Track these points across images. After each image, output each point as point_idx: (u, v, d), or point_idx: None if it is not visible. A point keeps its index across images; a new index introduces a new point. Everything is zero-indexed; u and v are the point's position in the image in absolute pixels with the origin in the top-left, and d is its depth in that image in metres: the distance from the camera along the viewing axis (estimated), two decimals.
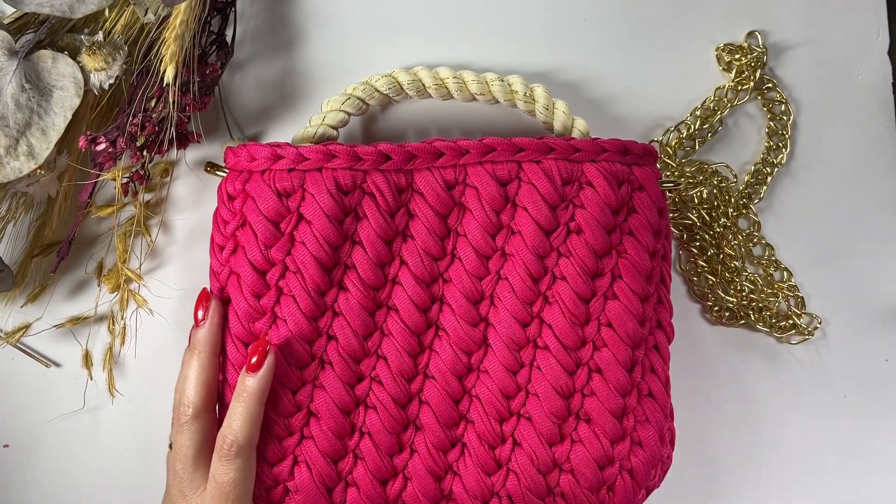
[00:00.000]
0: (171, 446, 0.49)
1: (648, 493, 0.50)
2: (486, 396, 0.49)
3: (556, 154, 0.49)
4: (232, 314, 0.49)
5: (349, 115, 0.52)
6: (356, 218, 0.49)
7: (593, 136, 0.53)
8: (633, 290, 0.50)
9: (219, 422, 0.49)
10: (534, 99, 0.53)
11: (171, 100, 0.50)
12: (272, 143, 0.49)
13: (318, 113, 0.52)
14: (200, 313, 0.49)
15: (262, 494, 0.48)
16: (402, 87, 0.53)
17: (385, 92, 0.53)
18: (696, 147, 0.60)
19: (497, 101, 0.54)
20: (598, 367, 0.49)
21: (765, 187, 0.60)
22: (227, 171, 0.50)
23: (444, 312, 0.49)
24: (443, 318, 0.49)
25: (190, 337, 0.49)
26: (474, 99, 0.54)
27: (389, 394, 0.48)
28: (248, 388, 0.46)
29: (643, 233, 0.50)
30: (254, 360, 0.47)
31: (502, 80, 0.53)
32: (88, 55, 0.51)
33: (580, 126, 0.53)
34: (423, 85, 0.53)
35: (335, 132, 0.52)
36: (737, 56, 0.60)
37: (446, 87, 0.53)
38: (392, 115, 0.59)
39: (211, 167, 0.51)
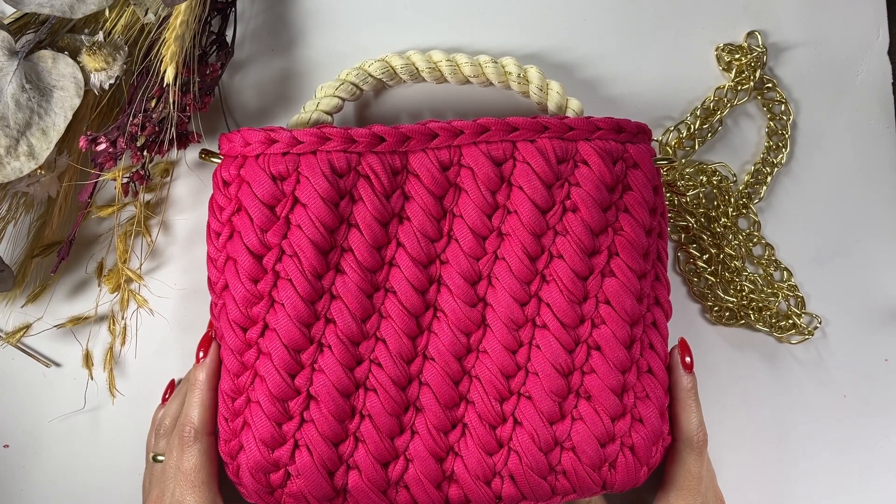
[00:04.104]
0: (154, 458, 0.50)
1: (650, 470, 0.50)
2: (485, 376, 0.49)
3: (550, 133, 0.49)
4: (230, 299, 0.49)
5: (343, 100, 0.52)
6: (352, 200, 0.49)
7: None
8: (631, 266, 0.50)
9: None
10: (528, 80, 0.53)
11: (171, 100, 0.50)
12: (266, 127, 0.49)
13: (313, 99, 0.52)
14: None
15: (263, 479, 0.48)
16: (395, 72, 0.53)
17: (378, 76, 0.53)
18: (696, 147, 0.60)
19: (491, 84, 0.54)
20: (598, 344, 0.49)
21: (765, 187, 0.60)
22: (221, 157, 0.50)
23: (441, 294, 0.49)
24: (441, 299, 0.49)
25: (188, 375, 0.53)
26: (468, 82, 0.54)
27: (389, 376, 0.48)
28: (197, 377, 0.51)
29: (639, 210, 0.50)
30: (200, 353, 0.51)
31: (496, 62, 0.53)
32: (89, 55, 0.51)
33: (574, 106, 0.53)
34: (417, 69, 0.53)
35: (329, 118, 0.52)
36: (737, 56, 0.60)
37: (440, 71, 0.53)
38: (386, 99, 0.59)
39: (206, 154, 0.51)
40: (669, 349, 0.53)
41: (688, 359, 0.53)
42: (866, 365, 0.60)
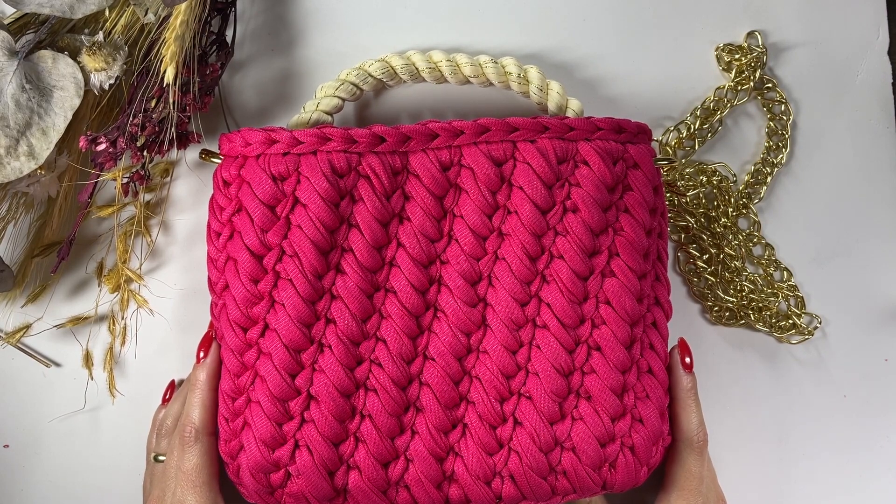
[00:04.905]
0: (155, 458, 0.50)
1: (650, 470, 0.50)
2: (486, 376, 0.49)
3: (550, 133, 0.49)
4: (230, 299, 0.49)
5: (343, 100, 0.53)
6: (352, 201, 0.49)
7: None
8: (631, 267, 0.50)
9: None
10: (528, 80, 0.53)
11: (171, 100, 0.50)
12: (266, 127, 0.49)
13: (313, 99, 0.52)
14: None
15: (263, 479, 0.48)
16: (395, 72, 0.53)
17: (379, 77, 0.53)
18: (696, 147, 0.60)
19: (491, 84, 0.54)
20: (598, 344, 0.49)
21: (765, 187, 0.60)
22: (221, 157, 0.50)
23: (442, 294, 0.49)
24: (441, 299, 0.49)
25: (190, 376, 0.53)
26: (468, 82, 0.54)
27: (389, 376, 0.48)
28: (198, 377, 0.51)
29: (639, 210, 0.50)
30: (201, 353, 0.51)
31: (496, 62, 0.53)
32: (89, 55, 0.51)
33: (574, 106, 0.53)
34: (417, 69, 0.53)
35: (329, 118, 0.52)
36: (737, 56, 0.60)
37: (440, 71, 0.53)
38: (386, 100, 0.59)
39: (206, 154, 0.51)
40: (669, 349, 0.53)
41: (687, 359, 0.53)
42: (866, 365, 0.60)
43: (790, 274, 0.60)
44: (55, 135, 0.50)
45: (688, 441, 0.52)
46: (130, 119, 0.50)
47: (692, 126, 0.60)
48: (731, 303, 0.59)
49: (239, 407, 0.49)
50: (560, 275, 0.49)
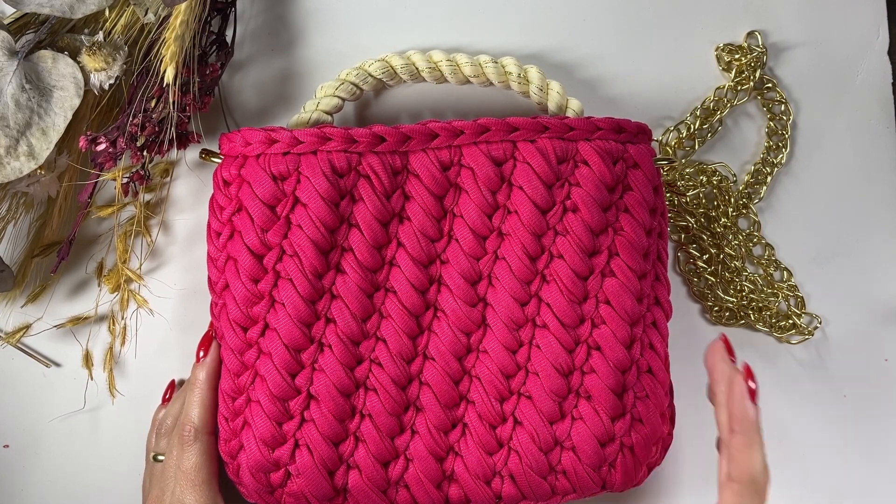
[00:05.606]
0: (154, 458, 0.51)
1: (650, 470, 0.51)
2: (486, 376, 0.49)
3: (550, 133, 0.50)
4: (230, 299, 0.49)
5: (343, 100, 0.53)
6: (352, 200, 0.49)
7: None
8: (631, 267, 0.50)
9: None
10: (528, 80, 0.53)
11: (171, 100, 0.50)
12: (267, 127, 0.49)
13: (313, 99, 0.52)
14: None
15: (263, 478, 0.48)
16: (395, 72, 0.53)
17: (379, 76, 0.53)
18: (696, 147, 0.60)
19: (491, 84, 0.54)
20: (598, 344, 0.49)
21: (765, 187, 0.60)
22: (221, 157, 0.50)
23: (442, 293, 0.49)
24: (441, 299, 0.49)
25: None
26: (468, 82, 0.54)
27: (389, 375, 0.48)
28: (197, 377, 0.51)
29: (639, 210, 0.50)
30: (201, 353, 0.51)
31: (496, 62, 0.53)
32: (89, 55, 0.51)
33: (574, 106, 0.53)
34: (417, 69, 0.53)
35: (329, 118, 0.52)
36: (737, 56, 0.60)
37: (440, 71, 0.54)
38: (386, 99, 0.59)
39: (206, 154, 0.51)
40: (728, 372, 0.48)
41: (752, 384, 0.46)
42: (866, 365, 0.60)
43: (790, 274, 0.60)
44: (55, 135, 0.50)
45: (752, 482, 0.44)
46: (130, 119, 0.50)
47: (692, 126, 0.60)
48: (731, 303, 0.59)
49: (239, 406, 0.49)
50: (560, 274, 0.49)
